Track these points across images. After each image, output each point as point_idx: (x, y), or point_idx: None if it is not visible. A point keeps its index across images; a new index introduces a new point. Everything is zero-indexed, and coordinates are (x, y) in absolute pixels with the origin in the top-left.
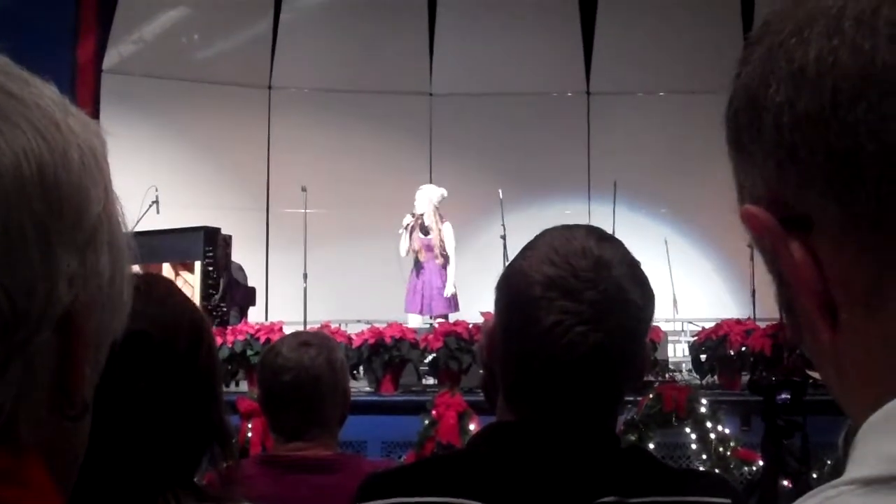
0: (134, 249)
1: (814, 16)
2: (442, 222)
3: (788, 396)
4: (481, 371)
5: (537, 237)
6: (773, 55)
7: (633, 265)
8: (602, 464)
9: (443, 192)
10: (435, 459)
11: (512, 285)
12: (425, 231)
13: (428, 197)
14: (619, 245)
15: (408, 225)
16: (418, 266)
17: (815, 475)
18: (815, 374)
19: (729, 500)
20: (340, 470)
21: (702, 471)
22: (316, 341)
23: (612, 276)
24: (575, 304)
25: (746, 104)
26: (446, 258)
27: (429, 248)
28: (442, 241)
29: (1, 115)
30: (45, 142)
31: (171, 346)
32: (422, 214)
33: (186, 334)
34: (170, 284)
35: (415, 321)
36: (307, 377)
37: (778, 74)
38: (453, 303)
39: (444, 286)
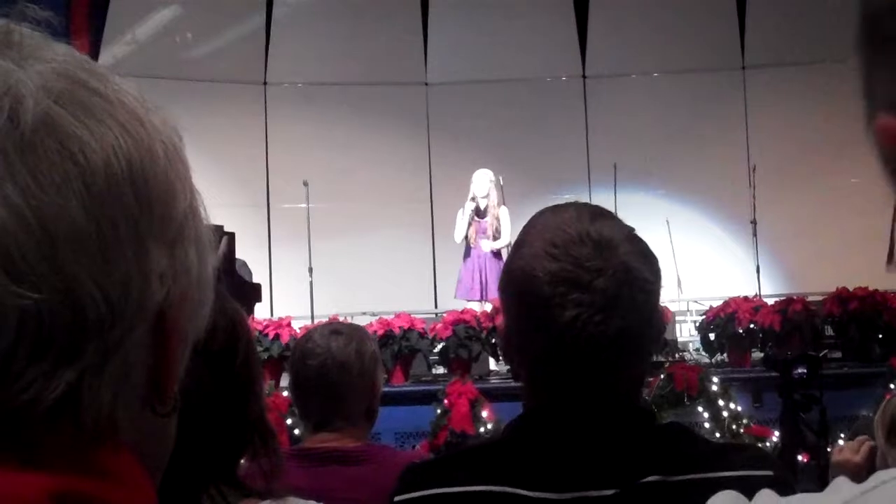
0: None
1: None
2: (499, 206)
3: (805, 371)
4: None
5: (527, 228)
6: None
7: (633, 238)
8: (642, 443)
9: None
10: (474, 449)
11: (517, 286)
12: (481, 214)
13: (489, 178)
14: (612, 218)
15: (471, 207)
16: (468, 251)
17: (832, 449)
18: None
19: (771, 473)
20: (371, 461)
21: (742, 444)
22: (347, 331)
23: (617, 258)
24: (587, 296)
25: None
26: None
27: (482, 231)
28: (498, 223)
29: (88, 113)
30: (132, 138)
31: (207, 344)
32: (485, 197)
33: (223, 331)
34: None
35: (473, 308)
36: (333, 364)
37: None
38: None
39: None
